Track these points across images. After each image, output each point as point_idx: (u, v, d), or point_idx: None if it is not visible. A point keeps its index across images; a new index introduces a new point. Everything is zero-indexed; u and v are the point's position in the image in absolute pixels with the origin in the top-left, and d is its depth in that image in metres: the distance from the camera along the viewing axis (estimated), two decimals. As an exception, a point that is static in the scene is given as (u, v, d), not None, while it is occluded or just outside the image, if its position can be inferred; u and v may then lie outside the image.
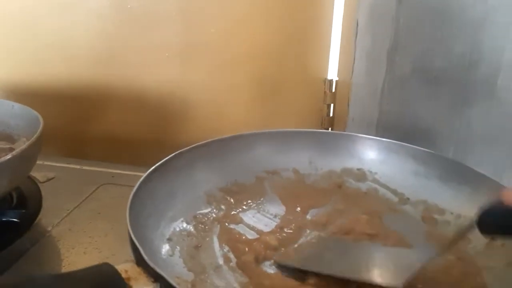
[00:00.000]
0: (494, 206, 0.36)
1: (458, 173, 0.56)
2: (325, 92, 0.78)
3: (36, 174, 0.70)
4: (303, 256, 0.50)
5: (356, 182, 0.62)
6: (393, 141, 0.61)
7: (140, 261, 0.38)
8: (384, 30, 0.68)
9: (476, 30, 0.65)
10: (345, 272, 0.45)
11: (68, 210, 0.64)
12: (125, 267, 0.37)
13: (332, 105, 0.79)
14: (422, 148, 0.60)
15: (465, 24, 0.65)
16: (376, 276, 0.45)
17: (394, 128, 0.72)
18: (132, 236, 0.40)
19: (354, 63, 0.72)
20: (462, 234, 0.41)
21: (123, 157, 0.81)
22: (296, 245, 0.52)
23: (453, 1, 0.65)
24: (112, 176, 0.72)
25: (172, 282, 0.36)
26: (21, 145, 0.56)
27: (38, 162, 0.62)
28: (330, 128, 0.80)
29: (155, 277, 0.37)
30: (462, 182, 0.56)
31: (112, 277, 0.36)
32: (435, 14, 0.66)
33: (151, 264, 0.37)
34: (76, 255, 0.55)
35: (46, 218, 0.62)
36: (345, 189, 0.62)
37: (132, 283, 0.36)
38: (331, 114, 0.80)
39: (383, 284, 0.43)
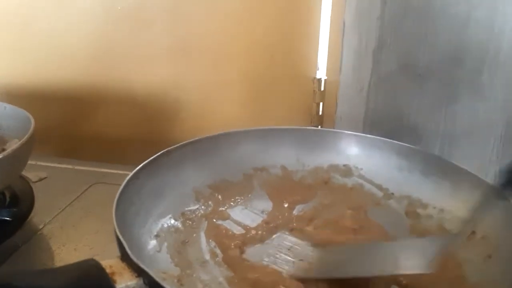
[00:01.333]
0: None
1: (440, 168, 0.57)
2: (314, 90, 0.79)
3: (29, 174, 0.71)
4: (321, 266, 0.50)
5: (342, 177, 0.63)
6: (377, 137, 0.62)
7: (124, 256, 0.39)
8: (370, 29, 0.69)
9: (459, 27, 0.67)
10: (368, 271, 0.46)
11: (59, 208, 0.65)
12: (110, 263, 0.38)
13: (321, 103, 0.80)
14: (405, 144, 0.61)
15: (448, 21, 0.67)
16: (401, 267, 0.46)
17: (381, 125, 0.73)
18: (117, 231, 0.41)
19: (341, 61, 0.73)
20: (487, 201, 0.42)
21: (115, 156, 0.82)
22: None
23: (437, -1, 0.66)
24: (104, 176, 0.73)
25: (155, 276, 0.37)
26: (13, 146, 0.57)
27: (30, 162, 0.63)
28: (319, 126, 0.81)
29: (139, 272, 0.38)
30: (443, 176, 0.56)
31: (96, 271, 0.37)
32: (419, 12, 0.67)
33: (134, 259, 0.38)
34: (67, 252, 0.56)
35: (38, 217, 0.63)
36: (331, 185, 0.62)
37: (116, 277, 0.37)
38: (320, 112, 0.81)
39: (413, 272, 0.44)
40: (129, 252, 0.39)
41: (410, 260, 0.46)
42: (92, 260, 0.38)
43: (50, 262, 0.56)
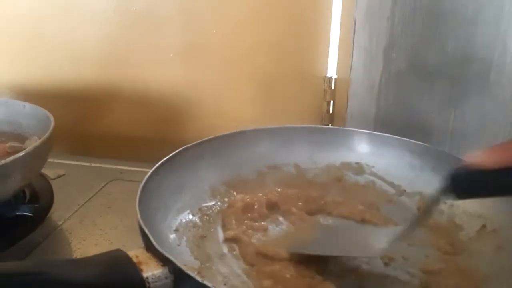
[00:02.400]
0: (460, 170, 0.38)
1: (450, 165, 0.58)
2: (324, 89, 0.81)
3: (47, 171, 0.73)
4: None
5: (355, 175, 0.65)
6: (390, 135, 0.64)
7: (149, 247, 0.41)
8: (380, 28, 0.70)
9: (468, 28, 0.68)
10: (332, 251, 0.50)
11: (78, 204, 0.67)
12: (136, 253, 0.40)
13: (331, 102, 0.82)
14: (417, 142, 0.62)
15: (457, 21, 0.68)
16: (358, 250, 0.50)
17: (392, 123, 0.75)
18: (142, 223, 0.43)
19: (352, 60, 0.74)
20: (433, 202, 0.43)
21: (129, 154, 0.83)
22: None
23: (445, 0, 0.67)
24: (121, 173, 0.75)
25: (180, 265, 0.38)
26: (33, 143, 0.59)
27: (48, 160, 0.65)
28: (330, 124, 0.82)
29: (164, 261, 0.39)
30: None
31: (124, 261, 0.38)
32: (428, 12, 0.68)
33: (160, 249, 0.39)
34: (88, 246, 0.58)
35: (58, 212, 0.65)
36: (344, 182, 0.64)
37: (142, 267, 0.39)
38: (331, 111, 0.82)
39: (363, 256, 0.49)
40: (154, 242, 0.40)
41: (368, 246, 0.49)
42: (119, 250, 0.40)
43: (70, 256, 0.57)
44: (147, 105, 0.87)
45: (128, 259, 0.39)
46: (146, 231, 0.42)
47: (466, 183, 0.38)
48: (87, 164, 0.78)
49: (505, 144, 0.35)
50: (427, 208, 0.44)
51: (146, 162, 0.58)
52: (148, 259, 0.40)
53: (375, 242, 0.48)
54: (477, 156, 0.35)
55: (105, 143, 0.89)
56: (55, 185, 0.70)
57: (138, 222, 0.44)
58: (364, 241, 0.50)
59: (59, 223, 0.63)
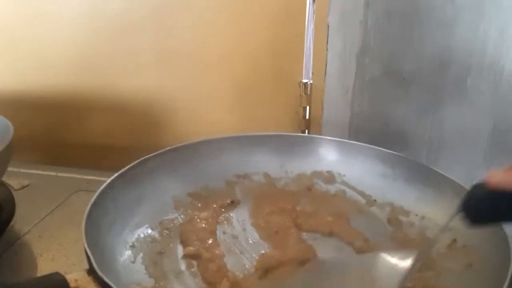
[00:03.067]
0: (478, 191, 0.33)
1: (424, 175, 0.56)
2: (300, 95, 0.78)
3: (11, 181, 0.70)
4: None
5: (326, 184, 0.63)
6: (361, 143, 0.62)
7: (91, 269, 0.39)
8: (353, 33, 0.68)
9: (445, 32, 0.65)
10: None
11: (40, 217, 0.64)
12: (75, 276, 0.38)
13: (308, 107, 0.79)
14: (389, 151, 0.60)
15: (434, 25, 0.66)
16: None
17: (367, 130, 0.72)
18: (85, 244, 0.40)
19: (326, 66, 0.72)
20: (446, 226, 0.40)
21: (101, 163, 0.81)
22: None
23: (421, 3, 0.65)
24: (87, 183, 0.72)
25: (119, 291, 0.36)
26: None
27: (13, 169, 0.63)
28: (306, 130, 0.80)
29: (103, 285, 0.37)
30: (427, 184, 0.56)
31: (59, 286, 0.36)
32: (403, 16, 0.66)
33: (99, 273, 0.37)
34: (44, 262, 0.56)
35: (19, 225, 0.62)
36: (314, 192, 0.62)
37: (79, 292, 0.36)
38: (307, 117, 0.80)
39: None
40: (94, 265, 0.38)
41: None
42: (57, 274, 0.38)
43: (29, 272, 0.55)
44: (120, 113, 0.85)
45: (65, 283, 0.37)
46: (88, 252, 0.40)
47: (486, 208, 0.33)
48: (54, 173, 0.76)
49: None
50: (436, 236, 0.41)
51: (117, 171, 0.55)
52: (87, 284, 0.38)
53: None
54: (501, 176, 0.30)
55: (76, 152, 0.87)
56: (18, 196, 0.67)
57: (83, 240, 0.41)
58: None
59: (19, 236, 0.61)
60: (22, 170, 0.74)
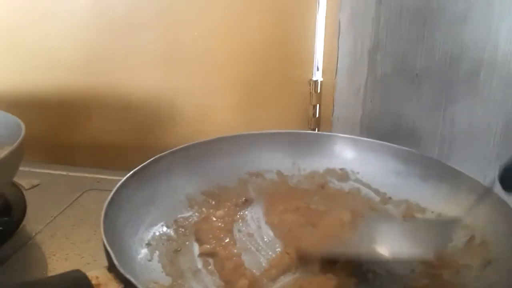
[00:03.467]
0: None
1: (438, 171, 0.56)
2: (310, 93, 0.78)
3: (21, 181, 0.70)
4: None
5: (339, 182, 0.62)
6: (374, 140, 0.61)
7: (111, 267, 0.38)
8: (365, 30, 0.68)
9: (457, 28, 0.65)
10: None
11: (52, 216, 0.64)
12: (96, 273, 0.37)
13: (318, 105, 0.79)
14: (402, 147, 0.60)
15: (445, 21, 0.65)
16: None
17: (378, 127, 0.72)
18: (105, 241, 0.40)
19: (337, 63, 0.72)
20: (484, 195, 0.42)
21: (110, 162, 0.81)
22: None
23: (433, -1, 0.65)
24: (98, 182, 0.72)
25: (140, 287, 0.36)
26: (3, 153, 0.57)
27: (23, 169, 0.62)
28: (316, 129, 0.80)
29: (125, 283, 0.37)
30: (442, 180, 0.55)
31: (81, 283, 0.36)
32: (415, 13, 0.66)
33: (120, 269, 0.37)
34: (58, 261, 0.55)
35: (30, 225, 0.62)
36: (327, 189, 0.61)
37: (101, 289, 0.36)
38: (317, 115, 0.80)
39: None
40: (115, 262, 0.38)
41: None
42: (78, 271, 0.37)
43: (41, 271, 0.55)
44: (128, 112, 0.84)
45: (86, 281, 0.36)
46: (109, 249, 0.39)
47: None
48: (64, 173, 0.75)
49: None
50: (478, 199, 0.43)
51: (127, 170, 0.55)
52: (109, 280, 0.37)
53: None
54: None
55: (85, 151, 0.87)
56: (29, 196, 0.67)
57: (102, 239, 0.41)
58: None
59: (31, 235, 0.60)
60: (32, 170, 0.74)
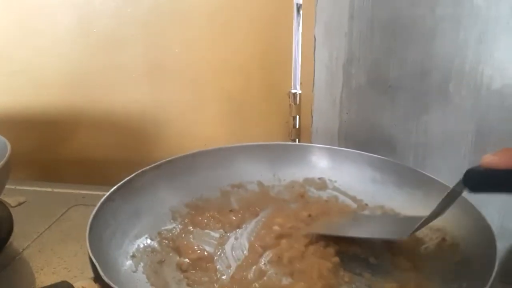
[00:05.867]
0: (476, 169, 0.42)
1: (411, 178, 0.59)
2: (290, 105, 0.81)
3: (8, 198, 0.71)
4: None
5: (318, 190, 0.64)
6: (350, 149, 0.64)
7: (97, 277, 0.40)
8: (339, 44, 0.71)
9: (426, 40, 0.68)
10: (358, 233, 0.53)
11: (38, 232, 0.65)
12: (83, 284, 0.39)
13: (297, 117, 0.82)
14: (377, 156, 0.62)
15: (416, 34, 0.68)
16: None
17: (356, 137, 0.75)
18: (90, 252, 0.42)
19: (314, 76, 0.74)
20: (451, 196, 0.45)
21: (95, 178, 0.82)
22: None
23: (403, 13, 0.68)
24: (83, 197, 0.74)
25: (126, 296, 0.37)
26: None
27: (9, 187, 0.64)
28: (297, 139, 0.82)
29: (111, 292, 0.38)
30: (415, 186, 0.58)
31: (68, 294, 0.37)
32: (386, 27, 0.68)
33: (106, 279, 0.38)
34: (45, 275, 0.57)
35: (18, 241, 0.63)
36: (307, 198, 0.64)
37: (88, 299, 0.38)
38: (297, 126, 0.82)
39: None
40: (101, 272, 0.39)
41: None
42: (65, 282, 0.39)
43: (29, 286, 0.56)
44: (113, 127, 0.86)
45: (73, 291, 0.38)
46: (94, 260, 0.41)
47: (480, 180, 0.42)
48: (49, 189, 0.77)
49: None
50: (445, 200, 0.46)
51: (112, 185, 0.56)
52: (95, 290, 0.39)
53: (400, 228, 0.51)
54: (491, 157, 0.39)
55: (70, 168, 0.88)
56: (16, 213, 0.68)
57: (87, 251, 0.43)
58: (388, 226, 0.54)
59: (19, 252, 0.62)
60: (17, 187, 0.75)
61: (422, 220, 0.47)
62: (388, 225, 0.55)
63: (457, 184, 0.43)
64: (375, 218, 0.58)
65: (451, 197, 0.45)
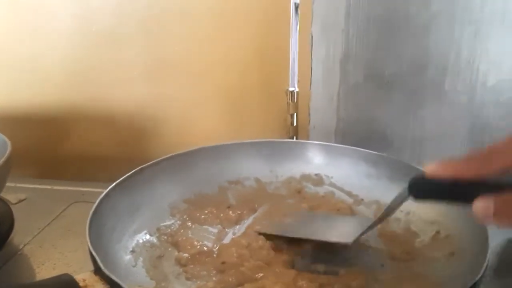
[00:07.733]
0: (419, 177, 0.41)
1: (405, 173, 0.58)
2: (288, 102, 0.81)
3: (8, 196, 0.72)
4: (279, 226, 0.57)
5: (315, 186, 0.65)
6: (345, 146, 0.65)
7: (97, 270, 0.41)
8: (336, 41, 0.71)
9: (422, 36, 0.69)
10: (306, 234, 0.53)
11: (39, 228, 0.66)
12: (84, 276, 0.40)
13: (295, 114, 0.82)
14: (372, 151, 0.63)
15: (411, 31, 0.69)
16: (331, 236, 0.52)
17: (353, 133, 0.75)
18: (90, 246, 0.43)
19: (311, 74, 0.75)
20: (396, 201, 0.45)
21: (95, 175, 0.83)
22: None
23: (398, 10, 0.68)
24: (83, 194, 0.74)
25: (126, 287, 0.38)
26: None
27: (10, 184, 0.64)
28: (295, 137, 0.83)
29: (111, 284, 0.39)
30: (409, 181, 0.59)
31: (70, 285, 0.38)
32: (382, 23, 0.69)
33: (106, 272, 0.39)
34: (46, 271, 0.57)
35: (18, 237, 0.64)
36: (304, 194, 0.64)
37: (88, 290, 0.38)
38: (295, 123, 0.83)
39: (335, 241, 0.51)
40: (101, 265, 0.40)
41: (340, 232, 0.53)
42: (66, 274, 0.40)
43: (30, 280, 0.57)
44: (112, 124, 0.87)
45: (74, 283, 0.39)
46: (94, 253, 0.42)
47: (423, 188, 0.42)
48: (49, 187, 0.77)
49: (461, 159, 0.38)
50: (390, 206, 0.47)
51: (111, 182, 0.57)
52: (95, 282, 0.40)
53: (350, 230, 0.51)
54: (434, 167, 0.39)
55: (70, 165, 0.88)
56: (16, 210, 0.69)
57: (87, 244, 0.44)
58: (339, 228, 0.54)
59: (20, 247, 0.62)
60: (18, 185, 0.75)
61: (369, 225, 0.49)
62: (336, 227, 0.55)
63: (403, 191, 0.43)
64: (324, 218, 0.59)
65: (397, 203, 0.45)
